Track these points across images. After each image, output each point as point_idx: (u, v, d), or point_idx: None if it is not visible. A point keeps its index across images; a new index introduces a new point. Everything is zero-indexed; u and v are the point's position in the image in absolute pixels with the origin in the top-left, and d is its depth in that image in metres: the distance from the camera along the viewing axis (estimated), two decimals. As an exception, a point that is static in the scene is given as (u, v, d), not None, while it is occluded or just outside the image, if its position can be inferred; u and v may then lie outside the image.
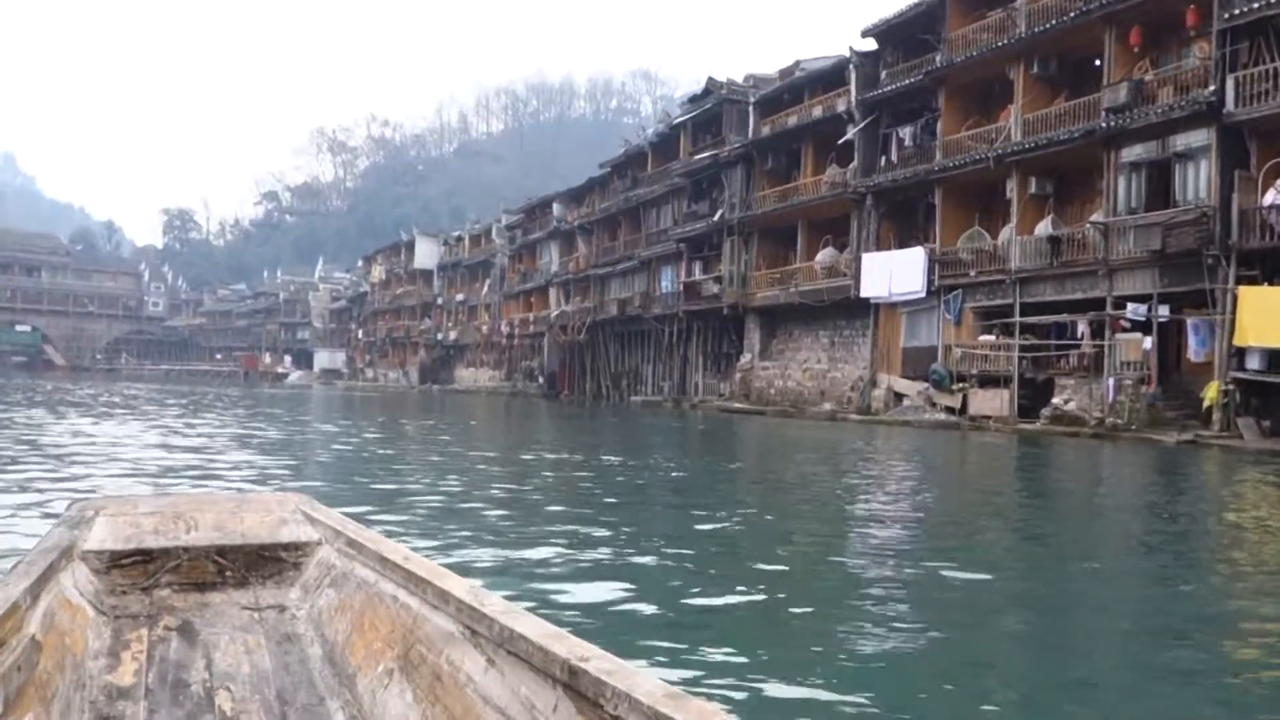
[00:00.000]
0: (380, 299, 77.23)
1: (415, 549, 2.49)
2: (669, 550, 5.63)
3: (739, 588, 4.69)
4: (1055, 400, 22.87)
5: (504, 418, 26.54)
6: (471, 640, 1.85)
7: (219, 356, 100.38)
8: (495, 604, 1.88)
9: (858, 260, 28.68)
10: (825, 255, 30.78)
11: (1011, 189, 24.70)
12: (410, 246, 72.05)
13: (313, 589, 2.48)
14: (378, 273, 76.87)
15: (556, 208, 51.27)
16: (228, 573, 2.51)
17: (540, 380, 50.75)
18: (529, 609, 1.92)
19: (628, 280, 43.27)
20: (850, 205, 29.24)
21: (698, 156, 36.05)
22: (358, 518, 2.93)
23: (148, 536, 2.52)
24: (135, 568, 2.44)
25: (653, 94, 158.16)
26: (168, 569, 2.46)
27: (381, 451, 12.52)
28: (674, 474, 10.70)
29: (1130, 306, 21.60)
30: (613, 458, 12.31)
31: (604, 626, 3.77)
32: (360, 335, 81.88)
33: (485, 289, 61.90)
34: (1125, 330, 21.92)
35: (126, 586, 2.42)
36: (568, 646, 1.64)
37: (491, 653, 1.79)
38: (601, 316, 44.66)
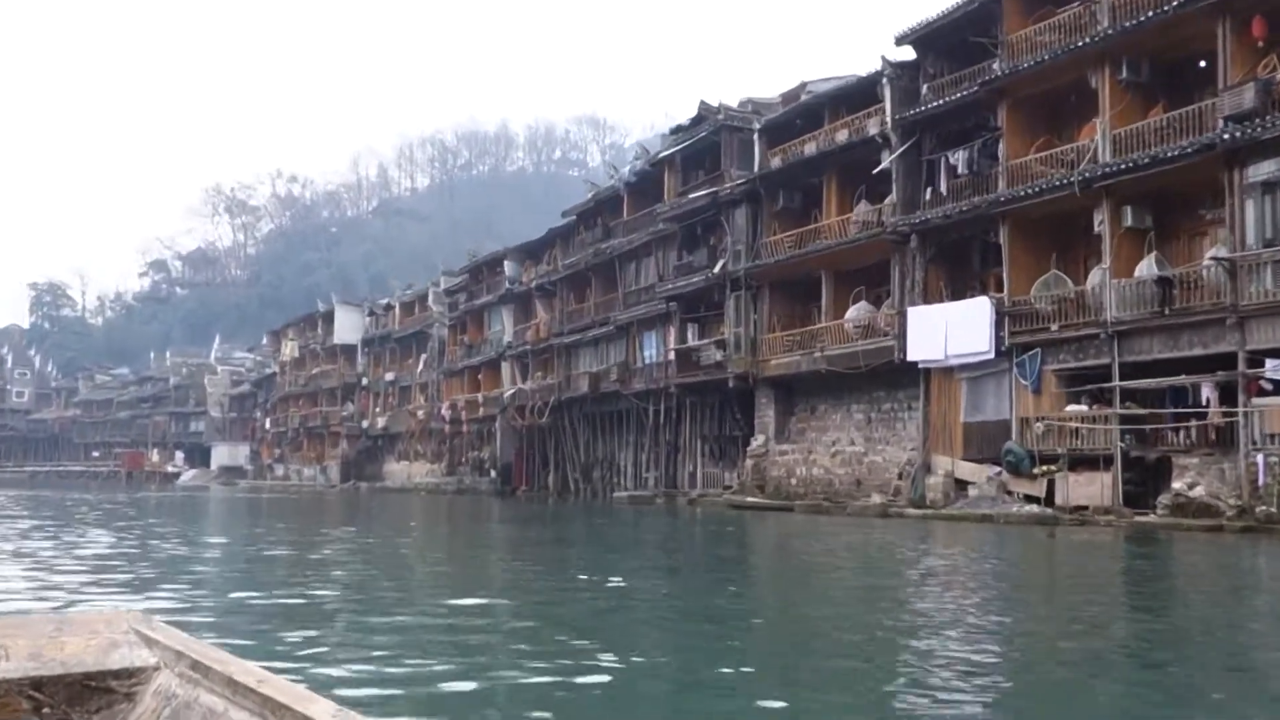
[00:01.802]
0: (292, 381, 77.19)
1: None
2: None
3: None
4: (1176, 485, 20.84)
5: (450, 524, 24.45)
6: None
7: (96, 454, 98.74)
8: None
9: (902, 316, 27.16)
10: (858, 311, 29.28)
11: (1100, 221, 22.93)
12: (329, 318, 71.98)
13: None
14: (289, 350, 76.74)
15: (509, 266, 50.86)
16: (45, 709, 2.47)
17: (492, 474, 49.74)
18: None
19: (601, 349, 42.67)
20: (888, 248, 27.82)
21: (692, 195, 34.61)
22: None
23: None
24: None
25: (600, 142, 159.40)
26: None
27: (275, 575, 10.73)
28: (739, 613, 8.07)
29: (1270, 363, 19.88)
30: (618, 579, 9.85)
31: None
32: (267, 425, 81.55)
33: (421, 366, 61.51)
34: (1265, 393, 20.01)
35: None
36: None
37: None
38: (568, 394, 43.78)
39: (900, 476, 27.36)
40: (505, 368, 50.31)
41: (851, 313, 29.32)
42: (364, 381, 68.54)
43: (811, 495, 29.52)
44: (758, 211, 32.54)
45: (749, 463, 32.20)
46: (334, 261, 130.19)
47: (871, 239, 28.10)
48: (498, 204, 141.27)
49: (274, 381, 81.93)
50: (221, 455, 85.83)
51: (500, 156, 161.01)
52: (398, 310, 65.77)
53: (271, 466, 78.86)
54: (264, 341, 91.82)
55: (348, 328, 69.71)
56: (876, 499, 26.48)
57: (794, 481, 30.93)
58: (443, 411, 55.93)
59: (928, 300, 26.85)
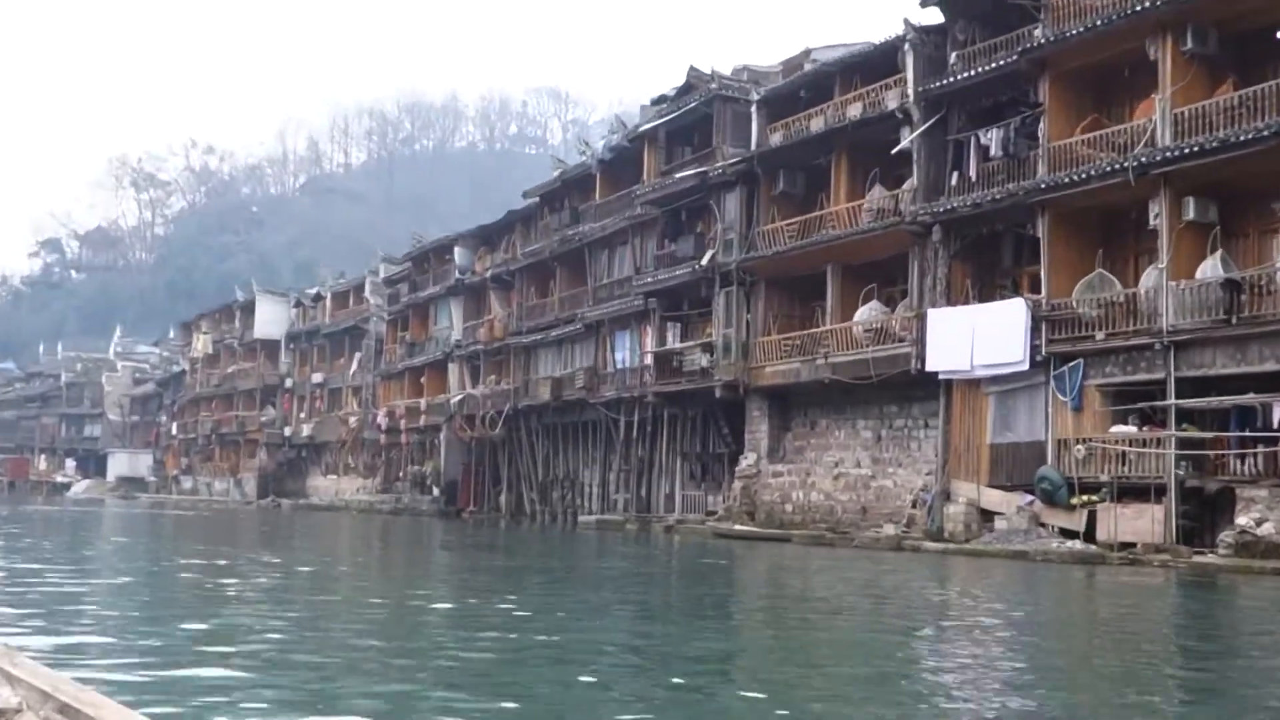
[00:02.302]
0: (204, 381, 77.09)
1: None
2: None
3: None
4: (1240, 520, 20.40)
5: (386, 550, 23.42)
6: None
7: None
8: None
9: (921, 319, 26.71)
10: (869, 312, 28.83)
11: (1157, 214, 22.44)
12: (248, 309, 71.71)
13: None
14: (202, 344, 76.35)
15: (459, 253, 50.39)
16: None
17: (435, 492, 49.62)
18: None
19: (565, 351, 42.43)
20: (906, 241, 27.41)
21: (678, 176, 34.09)
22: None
23: None
24: None
25: (562, 117, 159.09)
26: None
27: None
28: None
29: (1354, 381, 19.33)
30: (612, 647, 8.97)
31: None
32: (174, 431, 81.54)
33: (354, 366, 61.30)
34: (1350, 416, 19.60)
35: None
36: None
37: None
38: (526, 402, 43.59)
39: (914, 504, 26.90)
40: (453, 370, 50.07)
41: (861, 314, 28.86)
42: (288, 383, 68.45)
43: (810, 524, 29.13)
44: (754, 195, 32.10)
45: (737, 485, 31.80)
46: (255, 245, 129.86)
47: (887, 230, 27.62)
48: (444, 184, 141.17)
49: (183, 381, 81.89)
50: (120, 464, 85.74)
51: (448, 130, 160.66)
52: (329, 302, 65.47)
53: (178, 479, 78.85)
54: (172, 335, 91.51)
55: (270, 321, 69.58)
56: (889, 530, 25.92)
57: (789, 508, 30.60)
58: (378, 419, 55.61)
59: (951, 301, 26.40)
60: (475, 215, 64.71)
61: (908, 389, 27.50)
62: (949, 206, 26.15)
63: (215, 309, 79.09)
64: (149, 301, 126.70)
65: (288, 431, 67.16)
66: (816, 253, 29.82)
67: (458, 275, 49.96)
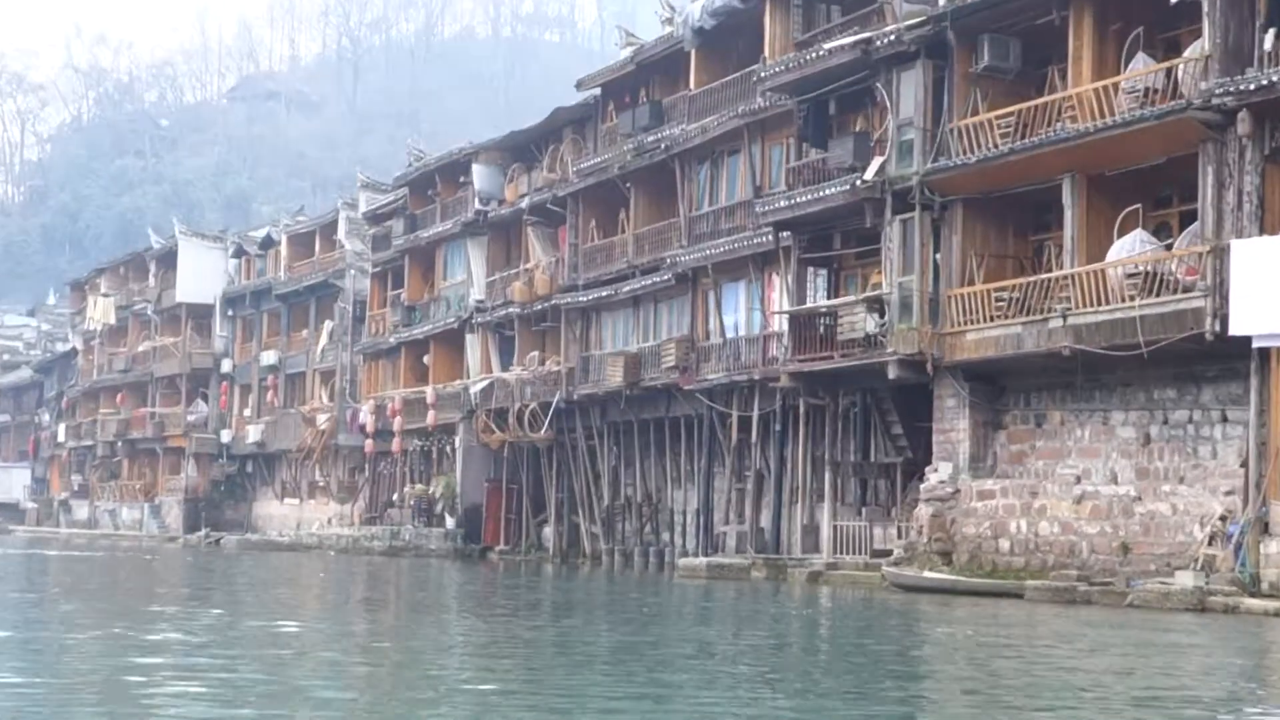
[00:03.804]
0: (105, 365, 78.01)
1: None
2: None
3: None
4: None
5: (391, 628, 21.28)
6: None
7: None
8: None
9: (1220, 256, 25.50)
10: (1132, 248, 27.62)
11: None
12: (168, 261, 73.12)
13: None
14: (101, 312, 76.98)
15: (480, 174, 50.46)
16: None
17: (448, 524, 50.39)
18: None
19: (645, 315, 42.93)
20: (1193, 137, 25.95)
21: (825, 48, 33.18)
22: None
23: None
24: None
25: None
26: None
27: None
28: None
29: None
30: None
31: None
32: (62, 436, 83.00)
33: (323, 341, 62.25)
34: None
35: None
36: None
37: None
38: (584, 390, 43.99)
39: (1211, 540, 25.55)
40: (473, 344, 50.25)
41: (1120, 250, 27.61)
42: (226, 366, 69.48)
43: (1042, 569, 28.01)
44: (945, 75, 30.99)
45: (923, 511, 30.69)
46: (167, 173, 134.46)
47: (1161, 121, 26.20)
48: (431, 86, 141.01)
49: (73, 366, 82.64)
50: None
51: (434, 13, 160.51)
52: (284, 248, 66.12)
53: (68, 504, 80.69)
54: (54, 300, 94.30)
55: (200, 278, 70.48)
56: (1184, 580, 24.46)
57: (1005, 545, 29.39)
58: (361, 418, 56.32)
59: (1270, 229, 25.17)
60: (475, 129, 63.55)
61: (1196, 363, 26.68)
62: (1262, 82, 24.79)
63: (119, 261, 79.16)
64: (18, 254, 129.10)
65: (226, 437, 67.89)
66: (1046, 158, 28.58)
67: (478, 206, 49.80)
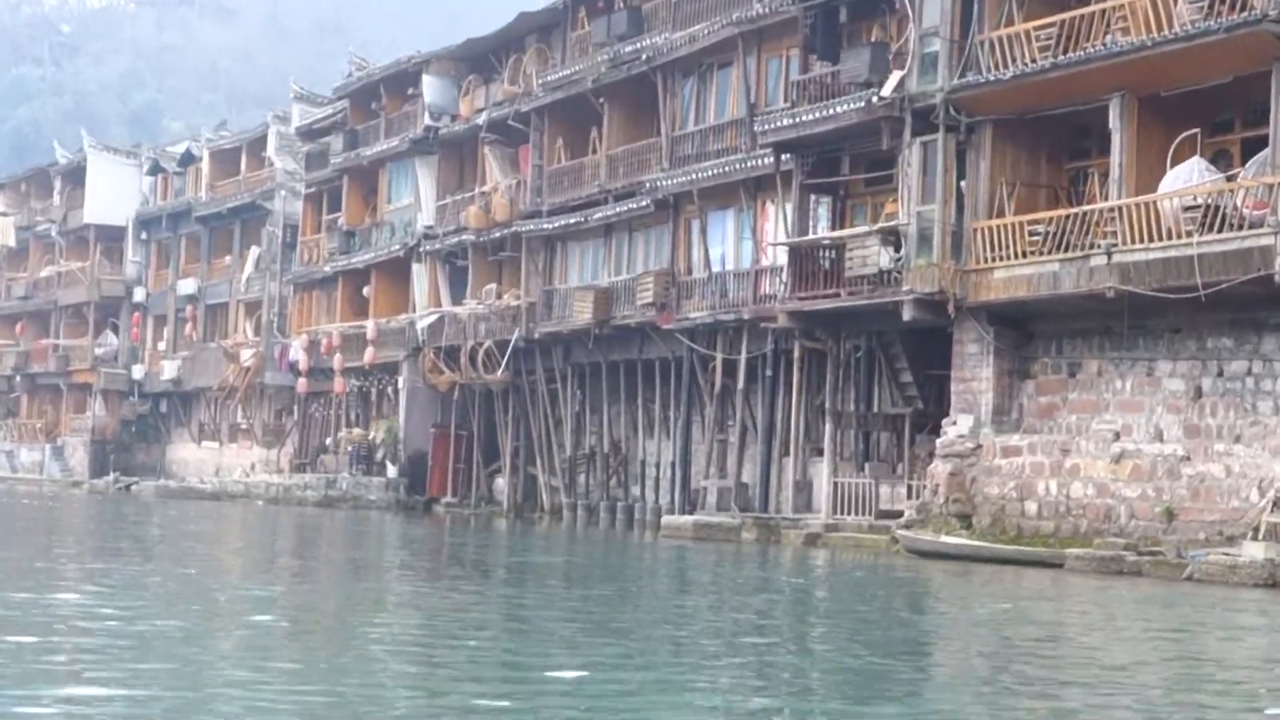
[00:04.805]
0: (2, 292, 79.31)
1: None
2: None
3: None
4: None
5: (332, 589, 19.09)
6: None
7: None
8: None
9: None
10: (1188, 177, 26.80)
11: None
12: (75, 177, 72.80)
13: None
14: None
15: (431, 86, 50.41)
16: None
17: (390, 471, 50.59)
18: None
19: (618, 245, 42.70)
20: (1264, 53, 25.20)
21: None
22: None
23: None
24: None
25: None
26: None
27: None
28: None
29: None
30: None
31: None
32: None
33: (249, 269, 62.55)
34: None
35: None
36: None
37: None
38: (547, 328, 43.91)
39: (1275, 505, 24.69)
40: (420, 275, 50.25)
41: (1174, 180, 26.78)
42: (139, 295, 69.33)
43: (1075, 535, 27.25)
44: None
45: (941, 468, 29.89)
46: (67, 85, 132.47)
47: (1229, 35, 25.28)
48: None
49: None
50: None
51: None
52: (206, 165, 65.91)
53: None
54: None
55: (110, 196, 70.14)
56: (1257, 551, 23.68)
57: (1032, 507, 28.66)
58: (291, 354, 56.63)
59: None
60: (412, 43, 61.34)
61: (1258, 309, 25.79)
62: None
63: (19, 177, 79.51)
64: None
65: (138, 373, 67.59)
66: (1092, 75, 27.69)
67: (429, 122, 49.90)
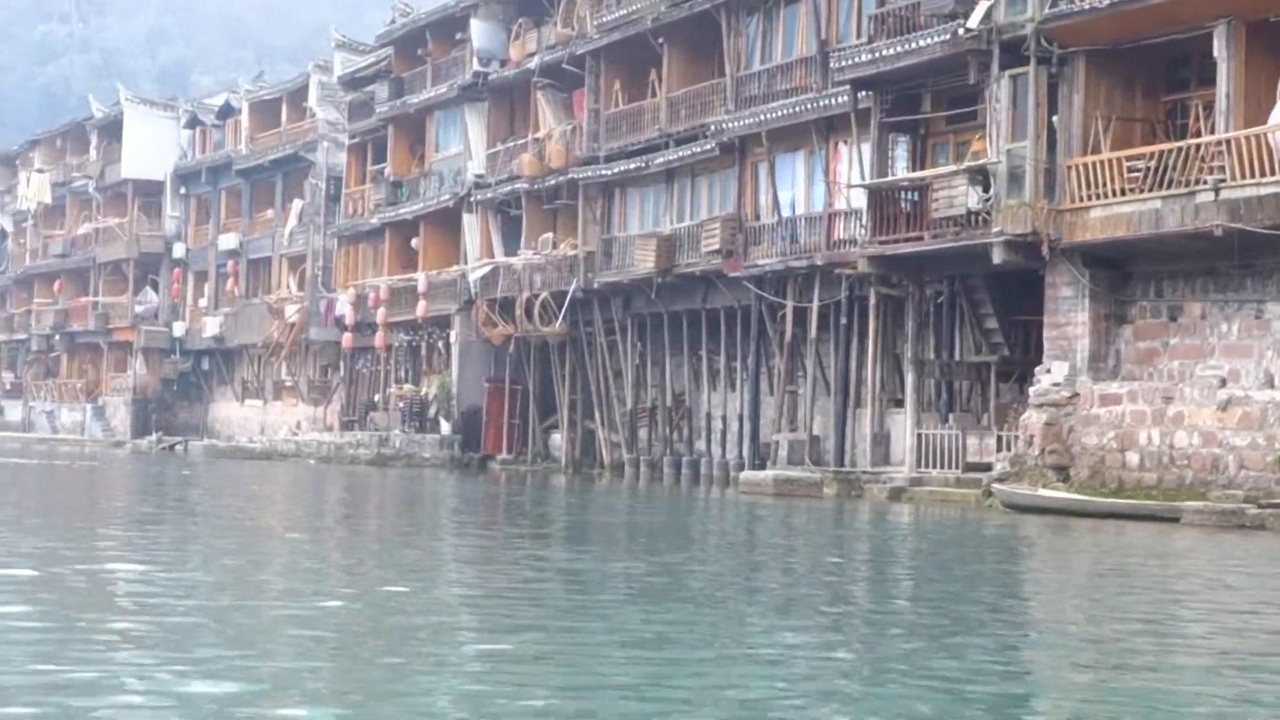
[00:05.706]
0: (40, 249, 79.24)
1: None
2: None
3: None
4: None
5: (402, 557, 18.97)
6: None
7: None
8: None
9: None
10: None
11: None
12: (111, 132, 72.81)
13: None
14: (36, 190, 77.42)
15: (479, 30, 50.11)
16: None
17: (444, 428, 50.50)
18: None
19: (680, 191, 42.46)
20: None
21: None
22: None
23: None
24: None
25: None
26: None
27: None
28: None
29: None
30: None
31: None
32: None
33: (292, 223, 62.23)
34: None
35: None
36: None
37: None
38: (606, 278, 43.72)
39: None
40: (471, 225, 50.17)
41: None
42: (178, 251, 69.77)
43: (1180, 487, 26.62)
44: None
45: (1035, 419, 29.37)
46: (94, 41, 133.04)
47: None
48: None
49: (2, 249, 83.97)
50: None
51: None
52: (246, 117, 65.97)
53: (0, 407, 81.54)
54: None
55: (148, 150, 70.33)
56: None
57: (1134, 458, 28.10)
58: (338, 309, 56.81)
59: None
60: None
61: None
62: None
63: (55, 132, 79.36)
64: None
65: (179, 330, 68.12)
66: (1194, 1, 27.14)
67: (477, 68, 49.67)
